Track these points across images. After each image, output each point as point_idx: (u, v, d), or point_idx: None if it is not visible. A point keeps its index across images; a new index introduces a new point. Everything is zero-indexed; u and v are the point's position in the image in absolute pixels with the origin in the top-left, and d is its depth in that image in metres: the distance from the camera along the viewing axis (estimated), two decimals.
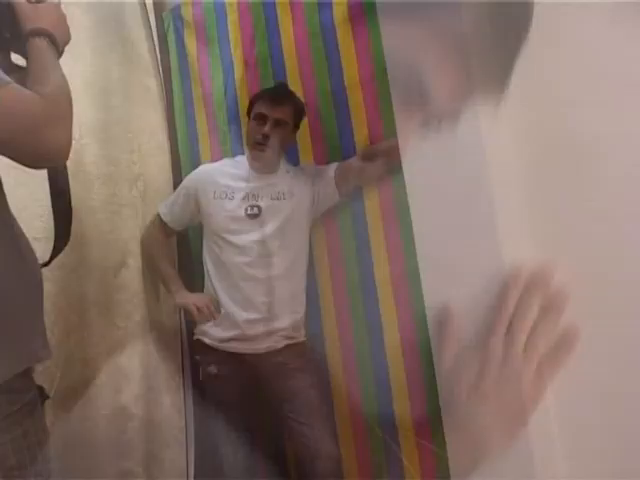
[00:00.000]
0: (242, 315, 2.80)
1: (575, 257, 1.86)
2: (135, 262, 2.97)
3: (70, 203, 1.83)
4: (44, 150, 1.43)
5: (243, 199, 2.88)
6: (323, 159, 3.00)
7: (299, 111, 2.92)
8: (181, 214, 3.02)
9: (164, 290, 3.09)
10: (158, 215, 3.06)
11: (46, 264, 1.80)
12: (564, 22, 1.87)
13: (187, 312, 3.02)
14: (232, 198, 2.89)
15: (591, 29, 1.83)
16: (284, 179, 2.94)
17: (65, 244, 1.84)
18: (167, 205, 3.05)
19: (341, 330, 2.95)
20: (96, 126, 2.92)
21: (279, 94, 2.88)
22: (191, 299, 2.93)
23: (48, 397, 1.62)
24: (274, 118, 2.83)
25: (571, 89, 1.87)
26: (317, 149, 3.02)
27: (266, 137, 2.82)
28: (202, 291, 2.99)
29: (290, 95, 2.90)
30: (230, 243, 2.86)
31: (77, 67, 2.86)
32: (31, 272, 1.56)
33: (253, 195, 2.88)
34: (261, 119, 2.85)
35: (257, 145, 2.86)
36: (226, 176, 2.96)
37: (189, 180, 3.04)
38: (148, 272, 3.06)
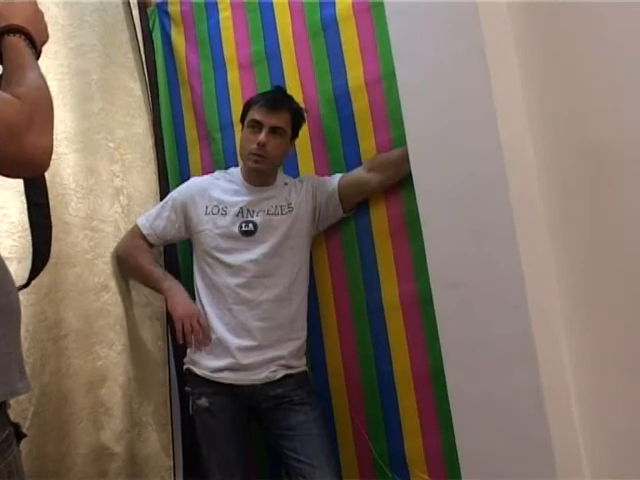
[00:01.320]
0: (235, 342, 2.79)
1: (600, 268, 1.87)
2: (117, 285, 2.97)
3: (50, 218, 1.83)
4: (23, 157, 1.42)
5: (237, 215, 2.88)
6: (325, 170, 3.02)
7: (297, 118, 2.93)
8: (163, 229, 3.01)
9: (150, 314, 3.08)
10: (136, 226, 3.05)
11: (24, 286, 1.80)
12: (589, 28, 1.89)
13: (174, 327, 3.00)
14: (225, 214, 2.89)
15: (617, 35, 1.86)
16: (282, 192, 2.95)
17: (44, 263, 1.84)
18: (148, 217, 3.04)
19: (346, 359, 2.95)
20: (74, 134, 2.93)
21: (275, 99, 2.89)
22: (182, 311, 2.86)
23: (25, 435, 1.61)
24: (270, 126, 2.84)
25: (594, 96, 1.90)
26: (319, 159, 3.04)
27: (261, 146, 2.83)
28: None
29: (287, 100, 2.92)
30: (223, 263, 2.86)
31: (53, 69, 2.87)
32: (7, 295, 1.55)
33: (248, 210, 2.89)
34: (256, 127, 2.86)
35: (251, 155, 2.86)
36: (218, 190, 2.96)
37: (178, 193, 3.05)
38: (135, 281, 3.06)
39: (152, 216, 3.03)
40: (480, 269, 1.96)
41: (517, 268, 1.86)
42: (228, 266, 2.84)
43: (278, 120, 2.85)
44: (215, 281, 2.86)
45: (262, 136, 2.82)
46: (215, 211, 2.91)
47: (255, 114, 2.86)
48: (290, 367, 2.83)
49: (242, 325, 2.80)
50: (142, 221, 3.04)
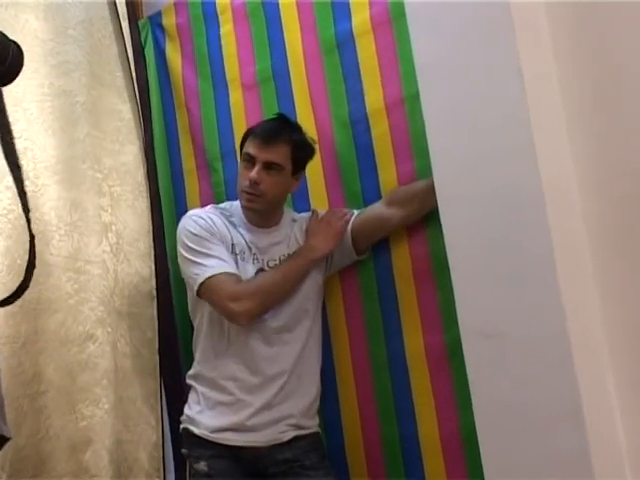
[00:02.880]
0: (247, 400, 2.76)
1: None
2: (105, 334, 2.96)
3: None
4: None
5: (252, 262, 2.87)
6: (340, 205, 3.01)
7: (300, 150, 2.87)
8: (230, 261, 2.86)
9: (141, 367, 3.08)
10: (219, 277, 2.76)
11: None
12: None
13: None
14: (243, 259, 2.86)
15: None
16: (290, 232, 2.94)
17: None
18: (220, 265, 2.80)
19: (364, 417, 2.94)
20: (56, 163, 2.94)
21: (271, 131, 2.85)
22: (322, 233, 2.87)
23: None
24: (263, 161, 2.79)
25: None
26: (333, 192, 3.03)
27: (253, 184, 2.79)
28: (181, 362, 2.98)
29: (287, 131, 2.86)
30: None
31: (32, 89, 2.88)
32: None
33: (257, 259, 2.87)
34: (249, 161, 2.82)
35: (244, 193, 2.84)
36: (223, 228, 2.89)
37: (202, 228, 2.86)
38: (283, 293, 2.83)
39: (219, 263, 2.81)
40: (517, 318, 1.94)
41: (560, 317, 1.83)
42: None
43: (273, 155, 2.79)
44: (232, 333, 2.82)
45: (254, 173, 2.77)
46: (237, 251, 2.87)
47: (249, 147, 2.83)
48: (301, 427, 2.81)
49: (258, 382, 2.78)
50: (221, 271, 2.78)
